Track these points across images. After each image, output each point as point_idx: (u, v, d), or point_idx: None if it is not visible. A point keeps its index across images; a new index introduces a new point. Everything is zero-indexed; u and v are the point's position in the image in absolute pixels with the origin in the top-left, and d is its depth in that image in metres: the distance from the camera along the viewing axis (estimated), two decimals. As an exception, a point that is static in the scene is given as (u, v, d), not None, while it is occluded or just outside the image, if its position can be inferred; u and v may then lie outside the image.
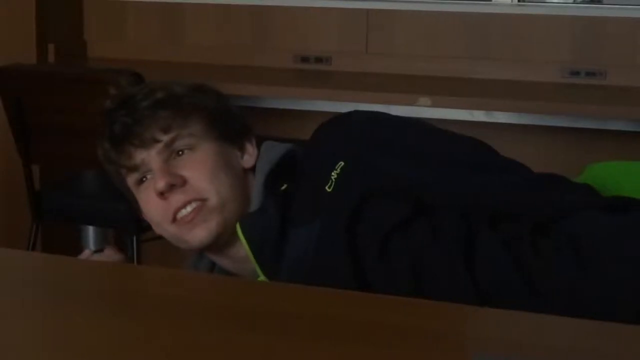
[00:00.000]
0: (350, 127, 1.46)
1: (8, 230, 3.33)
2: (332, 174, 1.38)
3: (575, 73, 3.23)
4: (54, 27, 3.49)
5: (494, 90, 3.15)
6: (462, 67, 3.34)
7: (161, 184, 1.42)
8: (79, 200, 2.98)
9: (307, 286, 1.24)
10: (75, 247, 3.34)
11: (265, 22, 3.57)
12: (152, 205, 1.45)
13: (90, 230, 3.36)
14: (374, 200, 1.35)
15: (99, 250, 1.63)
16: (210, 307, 1.15)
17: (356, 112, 1.51)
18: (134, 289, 1.25)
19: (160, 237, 1.52)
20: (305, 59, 3.50)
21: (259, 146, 1.53)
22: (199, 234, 1.43)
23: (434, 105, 2.86)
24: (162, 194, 1.42)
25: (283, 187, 1.44)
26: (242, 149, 1.51)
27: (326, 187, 1.38)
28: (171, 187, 1.42)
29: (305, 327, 1.07)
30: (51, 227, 3.13)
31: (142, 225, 1.58)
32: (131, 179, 1.47)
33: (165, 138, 1.45)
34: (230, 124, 1.52)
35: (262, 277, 1.39)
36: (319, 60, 3.48)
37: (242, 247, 1.41)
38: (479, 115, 2.93)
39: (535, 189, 1.38)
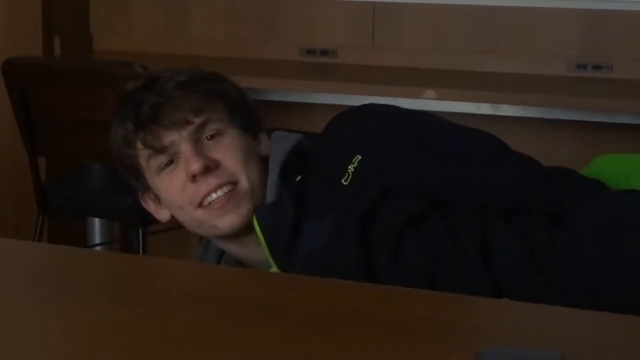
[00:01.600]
0: (366, 121, 1.46)
1: (15, 222, 3.33)
2: (349, 167, 1.38)
3: (582, 66, 3.22)
4: (59, 20, 3.49)
5: (500, 83, 3.14)
6: (468, 60, 3.33)
7: (197, 166, 1.40)
8: (85, 193, 2.98)
9: (318, 278, 1.23)
10: (81, 239, 3.37)
11: (271, 15, 3.56)
12: (178, 189, 1.42)
13: (96, 223, 3.37)
14: (389, 197, 1.34)
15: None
16: (217, 298, 1.15)
17: (370, 105, 1.51)
18: (139, 280, 1.25)
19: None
20: (311, 52, 3.49)
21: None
22: (231, 220, 1.41)
23: (440, 98, 2.85)
24: (194, 177, 1.41)
25: (297, 179, 1.43)
26: (258, 139, 1.50)
27: (342, 180, 1.37)
28: (205, 170, 1.41)
29: (316, 318, 1.07)
30: (57, 219, 3.14)
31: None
32: (155, 162, 1.44)
33: (197, 120, 1.43)
34: (249, 113, 1.51)
35: (274, 269, 1.39)
36: (324, 53, 3.47)
37: (257, 237, 1.40)
38: (484, 109, 2.92)
39: (549, 183, 1.37)
